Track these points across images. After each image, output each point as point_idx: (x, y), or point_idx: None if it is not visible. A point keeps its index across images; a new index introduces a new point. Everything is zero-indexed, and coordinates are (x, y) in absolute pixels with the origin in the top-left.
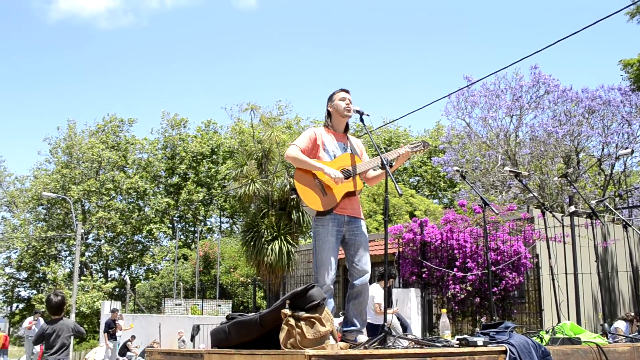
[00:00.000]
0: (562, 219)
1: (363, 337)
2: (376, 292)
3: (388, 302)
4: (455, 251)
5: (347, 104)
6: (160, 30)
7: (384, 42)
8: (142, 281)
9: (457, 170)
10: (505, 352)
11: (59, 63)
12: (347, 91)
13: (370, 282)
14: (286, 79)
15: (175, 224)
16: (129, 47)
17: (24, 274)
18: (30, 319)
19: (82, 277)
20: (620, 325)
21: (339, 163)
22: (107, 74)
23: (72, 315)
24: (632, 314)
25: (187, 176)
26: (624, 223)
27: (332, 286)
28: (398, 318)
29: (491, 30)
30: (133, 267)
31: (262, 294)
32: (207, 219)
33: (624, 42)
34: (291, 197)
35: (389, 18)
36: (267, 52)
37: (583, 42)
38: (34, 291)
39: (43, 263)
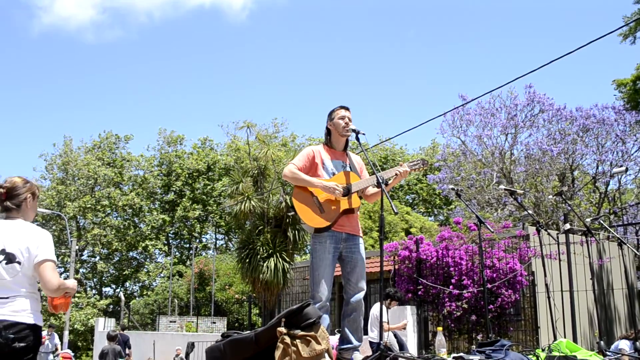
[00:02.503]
0: (558, 237)
1: (359, 355)
2: (379, 312)
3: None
4: (451, 269)
5: (346, 123)
6: (151, 45)
7: (380, 60)
8: (137, 298)
9: (453, 188)
10: None
11: (54, 79)
12: (347, 109)
13: (369, 299)
14: (282, 96)
15: (171, 241)
16: (121, 62)
17: None
18: (43, 333)
19: (77, 294)
20: (625, 345)
21: (337, 181)
22: (103, 90)
23: (66, 333)
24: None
25: (183, 193)
26: (619, 241)
27: (327, 303)
28: (395, 335)
29: (486, 50)
30: (128, 283)
31: (258, 311)
32: (203, 236)
33: (617, 63)
34: (289, 214)
35: (385, 36)
36: (262, 69)
37: (577, 62)
38: None
39: None
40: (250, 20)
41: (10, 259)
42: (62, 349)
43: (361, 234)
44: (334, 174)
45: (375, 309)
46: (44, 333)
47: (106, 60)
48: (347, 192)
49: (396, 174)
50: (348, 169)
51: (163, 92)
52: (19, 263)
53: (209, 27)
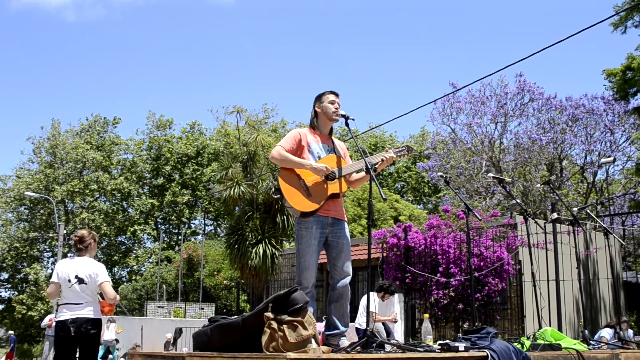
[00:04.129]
0: (545, 226)
1: (346, 341)
2: (372, 300)
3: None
4: (439, 256)
5: (335, 108)
6: (136, 25)
7: (370, 47)
8: (125, 283)
9: (442, 176)
10: (486, 357)
11: (40, 60)
12: (336, 94)
13: (357, 287)
14: (272, 82)
15: (159, 226)
16: (106, 42)
17: (5, 275)
18: (51, 315)
19: None
20: (606, 333)
21: (327, 164)
22: (91, 72)
23: (53, 316)
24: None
25: (172, 178)
26: (605, 231)
27: (313, 289)
28: (382, 323)
29: (477, 38)
30: (116, 268)
31: (246, 297)
32: (192, 221)
33: (607, 52)
34: (275, 196)
35: (375, 23)
36: (252, 54)
37: (568, 51)
38: (15, 292)
39: (25, 264)
40: (236, 1)
41: (80, 281)
42: None
43: (346, 219)
44: (319, 157)
45: (364, 299)
46: (52, 316)
47: (89, 40)
48: (335, 177)
49: (382, 160)
50: (334, 153)
51: (151, 75)
52: (86, 284)
53: (193, 7)
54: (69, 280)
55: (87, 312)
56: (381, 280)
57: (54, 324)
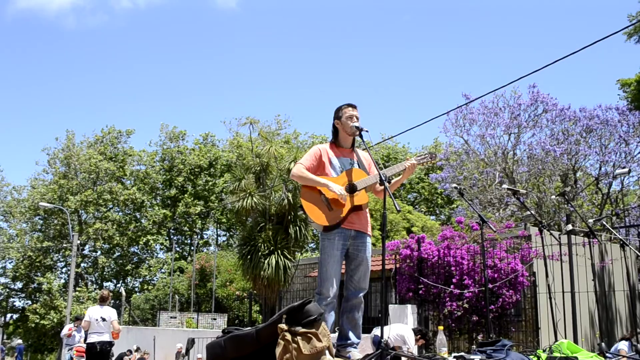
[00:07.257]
0: (560, 237)
1: (357, 353)
2: (409, 337)
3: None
4: (452, 268)
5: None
6: (141, 32)
7: (383, 58)
8: (138, 293)
9: (456, 187)
10: None
11: (50, 70)
12: (354, 107)
13: (370, 297)
14: (285, 93)
15: (172, 237)
16: (110, 49)
17: (19, 284)
18: (70, 325)
19: (77, 288)
20: (624, 346)
21: (345, 178)
22: (105, 84)
23: (67, 326)
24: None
25: (185, 188)
26: (621, 242)
27: (334, 300)
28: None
29: (490, 49)
30: (129, 279)
31: (258, 308)
32: (204, 232)
33: (621, 62)
34: (299, 214)
35: (389, 35)
36: (264, 66)
37: (581, 62)
38: (29, 301)
39: (39, 273)
40: (240, 7)
41: (103, 319)
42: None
43: (370, 233)
44: (342, 171)
45: (401, 330)
46: (71, 325)
47: (93, 48)
48: (353, 190)
49: (403, 169)
50: (356, 166)
51: (164, 87)
52: (106, 321)
53: (196, 13)
54: (97, 320)
55: (106, 337)
56: (421, 326)
57: (73, 333)
